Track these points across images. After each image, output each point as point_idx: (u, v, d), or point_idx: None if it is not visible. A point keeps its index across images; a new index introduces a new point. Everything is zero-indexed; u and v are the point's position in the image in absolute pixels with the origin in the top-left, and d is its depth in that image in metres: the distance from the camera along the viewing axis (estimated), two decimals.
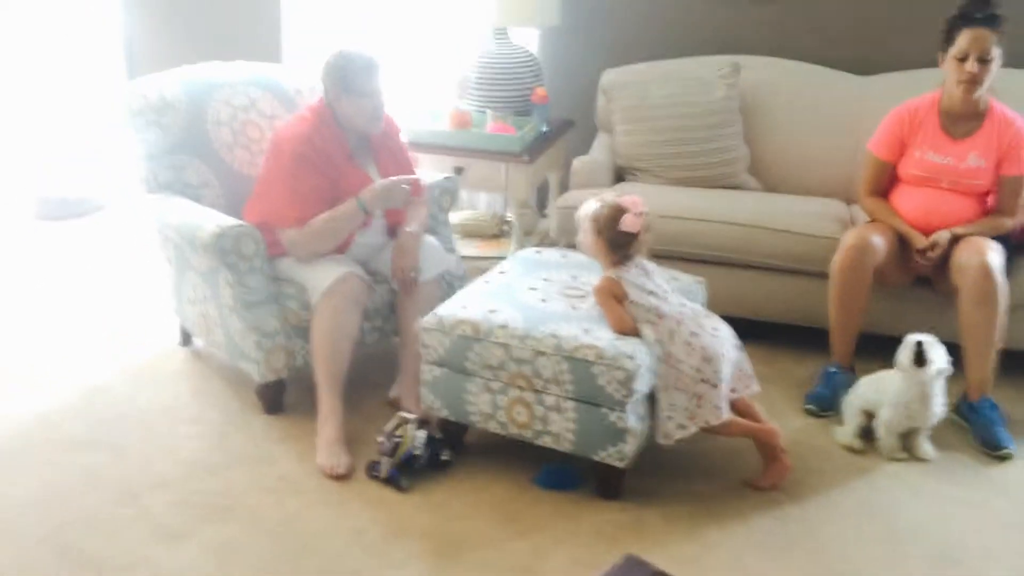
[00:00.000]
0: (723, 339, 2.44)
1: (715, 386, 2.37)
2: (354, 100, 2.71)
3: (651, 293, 2.42)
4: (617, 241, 2.43)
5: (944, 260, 2.82)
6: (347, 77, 2.69)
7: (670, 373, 2.37)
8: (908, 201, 2.95)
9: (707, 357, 2.36)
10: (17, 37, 4.30)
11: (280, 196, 2.71)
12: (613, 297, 2.42)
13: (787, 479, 2.49)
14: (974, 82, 2.78)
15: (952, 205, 2.89)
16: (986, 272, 2.66)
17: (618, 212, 2.41)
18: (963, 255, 2.75)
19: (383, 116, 2.81)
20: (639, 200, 2.44)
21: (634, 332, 2.37)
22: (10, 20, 4.27)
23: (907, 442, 2.65)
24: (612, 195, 2.50)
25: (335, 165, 2.72)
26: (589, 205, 2.48)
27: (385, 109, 2.81)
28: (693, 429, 2.40)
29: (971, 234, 2.81)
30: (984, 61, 2.75)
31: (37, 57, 4.38)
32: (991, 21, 2.75)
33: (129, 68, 4.57)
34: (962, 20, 2.79)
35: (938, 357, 2.53)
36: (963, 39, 2.77)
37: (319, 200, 2.70)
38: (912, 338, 2.55)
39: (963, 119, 2.88)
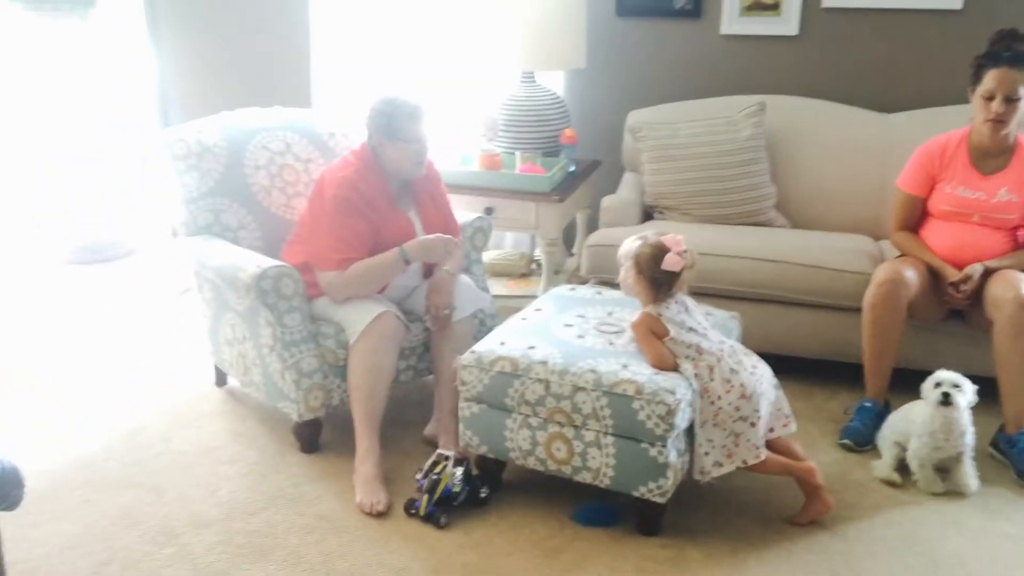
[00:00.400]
0: (761, 377, 2.45)
1: (753, 424, 2.38)
2: (399, 146, 2.75)
3: (691, 330, 2.43)
4: (659, 280, 2.42)
5: (977, 294, 2.83)
6: (392, 124, 2.73)
7: (708, 409, 2.37)
8: (938, 235, 2.96)
9: (746, 395, 2.37)
10: (52, 84, 4.41)
11: (323, 239, 2.75)
12: (652, 333, 2.43)
13: (827, 515, 2.47)
14: (1001, 121, 2.81)
15: (983, 239, 2.90)
16: (1022, 305, 2.67)
17: (660, 251, 2.41)
18: (998, 288, 2.76)
19: (426, 162, 2.85)
20: (680, 239, 2.44)
21: (672, 367, 2.39)
22: (45, 68, 4.38)
23: (947, 475, 2.64)
24: (653, 233, 2.51)
25: (378, 210, 2.76)
26: (630, 244, 2.49)
27: (429, 155, 2.85)
28: (730, 467, 2.40)
29: (1004, 267, 2.82)
30: (1011, 100, 2.77)
31: (70, 104, 4.48)
32: (1019, 60, 2.77)
33: (163, 115, 4.67)
34: (989, 59, 2.81)
35: (963, 398, 2.54)
36: (990, 79, 2.79)
37: (362, 245, 2.74)
38: (942, 377, 2.56)
39: (992, 155, 2.91)
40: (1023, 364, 2.69)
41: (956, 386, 2.54)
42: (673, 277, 2.42)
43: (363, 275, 2.74)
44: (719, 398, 2.37)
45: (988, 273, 2.83)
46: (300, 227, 2.90)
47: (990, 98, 2.79)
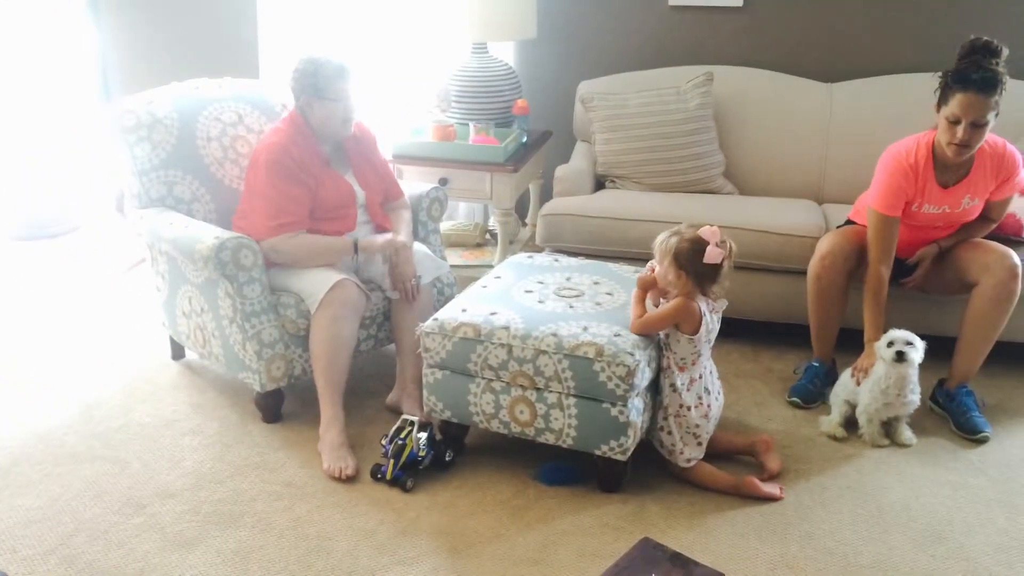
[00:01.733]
0: (719, 408, 2.60)
1: (700, 444, 2.52)
2: (326, 104, 2.75)
3: (708, 342, 2.47)
4: (703, 274, 2.38)
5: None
6: (318, 83, 2.73)
7: (675, 403, 2.49)
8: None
9: (708, 416, 2.51)
10: None
11: (259, 207, 2.75)
12: (680, 318, 2.40)
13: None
14: (964, 147, 2.65)
15: (939, 232, 2.94)
16: (1014, 274, 2.75)
17: (699, 244, 2.35)
18: (990, 256, 2.81)
19: (354, 120, 2.85)
20: (716, 229, 2.37)
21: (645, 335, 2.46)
22: None
23: (888, 430, 2.77)
24: (686, 226, 2.43)
25: (312, 173, 2.77)
26: (665, 239, 2.41)
27: (357, 114, 2.85)
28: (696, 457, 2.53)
29: (959, 241, 2.91)
30: (977, 126, 2.61)
31: (8, 77, 4.36)
32: (987, 85, 2.56)
33: (104, 88, 4.57)
34: (957, 81, 2.60)
35: (916, 354, 2.66)
36: (956, 104, 2.60)
37: (298, 208, 2.74)
38: (895, 336, 2.67)
39: (953, 168, 2.78)
40: (995, 327, 2.80)
41: (909, 343, 2.65)
42: (716, 269, 2.38)
43: (310, 249, 2.77)
44: (688, 409, 2.47)
45: (942, 251, 2.92)
46: (242, 202, 2.90)
47: (956, 121, 2.62)
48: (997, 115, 2.63)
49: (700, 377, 2.50)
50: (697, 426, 2.48)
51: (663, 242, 2.42)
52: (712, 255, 2.34)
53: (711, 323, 2.44)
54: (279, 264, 2.80)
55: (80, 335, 3.48)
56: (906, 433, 2.76)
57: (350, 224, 2.87)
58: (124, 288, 3.91)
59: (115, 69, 4.56)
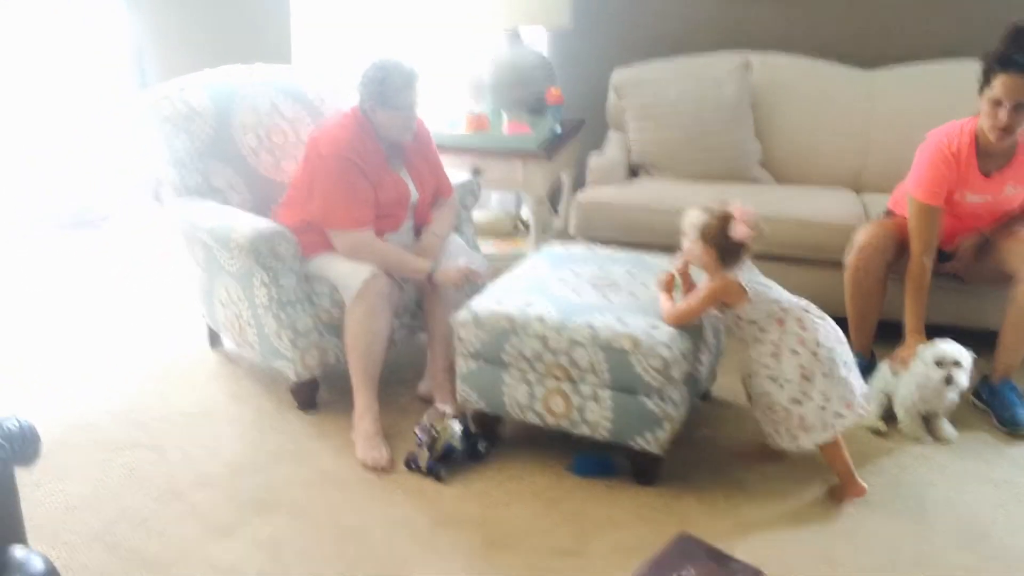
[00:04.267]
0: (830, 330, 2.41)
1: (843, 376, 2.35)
2: (390, 113, 2.73)
3: (767, 286, 2.40)
4: (728, 250, 2.36)
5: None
6: (385, 91, 2.71)
7: (813, 362, 2.34)
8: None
9: (840, 339, 2.38)
10: (23, 48, 4.32)
11: (332, 199, 2.73)
12: (719, 299, 2.39)
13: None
14: (1006, 130, 2.63)
15: (980, 220, 2.89)
16: None
17: (726, 221, 2.34)
18: None
19: (415, 127, 2.84)
20: (746, 207, 2.35)
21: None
22: (15, 31, 4.29)
23: (929, 424, 2.73)
24: (717, 203, 2.42)
25: (374, 171, 2.76)
26: (694, 215, 2.41)
27: (418, 118, 2.84)
28: (852, 418, 2.37)
29: (999, 230, 2.85)
30: (1021, 108, 2.59)
31: (42, 67, 4.40)
32: None
33: (139, 76, 4.60)
34: (1000, 62, 2.59)
35: (964, 376, 2.59)
36: (999, 85, 2.59)
37: (367, 203, 2.74)
38: (944, 354, 2.59)
39: (995, 155, 2.75)
40: None
41: (957, 363, 2.59)
42: (741, 246, 2.36)
43: (388, 257, 2.75)
44: (818, 345, 2.33)
45: (984, 241, 2.86)
46: (294, 189, 2.89)
47: (998, 103, 2.61)
48: None
49: (805, 312, 2.37)
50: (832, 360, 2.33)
51: (692, 217, 2.41)
52: (738, 231, 2.32)
53: (752, 275, 2.39)
54: (327, 251, 2.80)
55: (118, 323, 3.52)
56: (947, 428, 2.71)
57: (394, 225, 2.85)
58: (161, 277, 3.95)
59: (150, 56, 4.59)
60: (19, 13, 4.27)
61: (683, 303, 2.44)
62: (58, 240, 4.40)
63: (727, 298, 2.38)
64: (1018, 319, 2.75)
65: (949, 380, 2.59)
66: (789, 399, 2.35)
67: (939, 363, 2.60)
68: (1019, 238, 2.83)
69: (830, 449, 2.41)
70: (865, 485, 2.43)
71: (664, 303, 2.48)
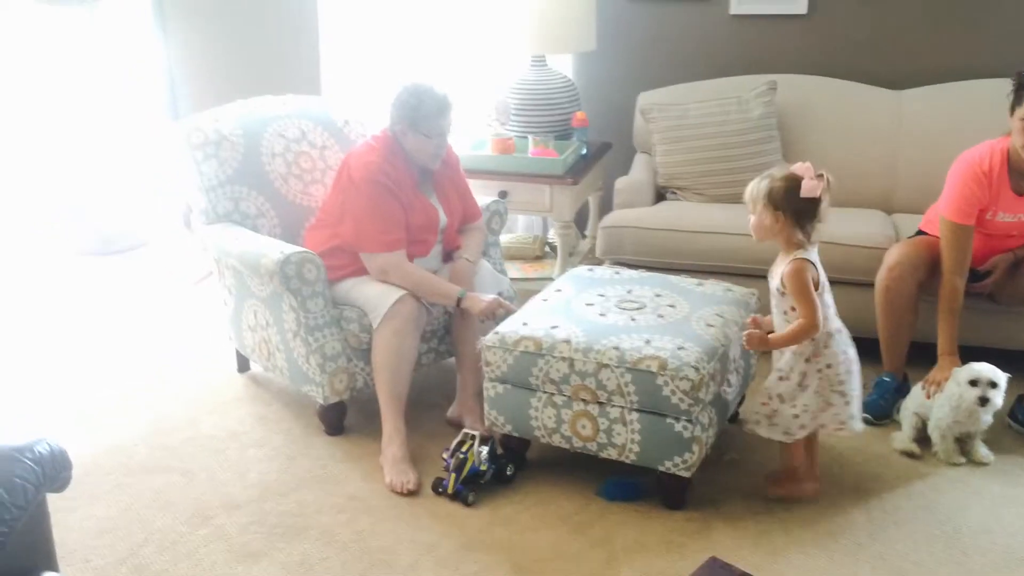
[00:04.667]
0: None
1: (847, 403, 2.39)
2: (420, 139, 2.76)
3: (824, 287, 2.34)
4: (802, 211, 2.25)
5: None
6: (417, 116, 2.72)
7: (814, 377, 2.36)
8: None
9: (852, 370, 2.39)
10: (59, 75, 4.42)
11: (365, 222, 2.75)
12: (807, 279, 2.27)
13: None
14: None
15: (1014, 242, 2.86)
16: None
17: (794, 182, 2.24)
18: None
19: (444, 155, 2.85)
20: (809, 164, 2.26)
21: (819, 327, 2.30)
22: (52, 59, 4.39)
23: (964, 447, 2.68)
24: (777, 168, 2.35)
25: (405, 195, 2.78)
26: (756, 186, 2.32)
27: (447, 145, 2.86)
28: (810, 428, 2.42)
29: None
30: None
31: (78, 95, 4.49)
32: None
33: (172, 105, 4.69)
34: None
35: (999, 397, 2.56)
36: None
37: (399, 226, 2.75)
38: (979, 374, 2.55)
39: None
40: None
41: (993, 384, 2.55)
42: (815, 204, 2.25)
43: (419, 281, 2.76)
44: (828, 367, 2.35)
45: (1017, 260, 2.83)
46: (324, 213, 2.92)
47: None
48: None
49: (839, 332, 2.37)
50: (841, 382, 2.36)
51: (754, 188, 2.32)
52: (809, 188, 2.22)
53: (820, 274, 2.34)
54: (354, 275, 2.82)
55: (148, 349, 3.56)
56: (982, 451, 2.66)
57: (424, 251, 2.87)
58: (191, 302, 3.99)
59: (182, 86, 4.67)
60: (56, 39, 4.36)
61: (794, 324, 2.32)
62: (93, 266, 4.46)
63: (813, 276, 2.28)
64: None
65: (984, 400, 2.54)
66: (776, 392, 2.39)
67: (973, 383, 2.55)
68: None
69: (791, 445, 2.43)
70: (814, 489, 2.46)
71: (782, 338, 2.36)
